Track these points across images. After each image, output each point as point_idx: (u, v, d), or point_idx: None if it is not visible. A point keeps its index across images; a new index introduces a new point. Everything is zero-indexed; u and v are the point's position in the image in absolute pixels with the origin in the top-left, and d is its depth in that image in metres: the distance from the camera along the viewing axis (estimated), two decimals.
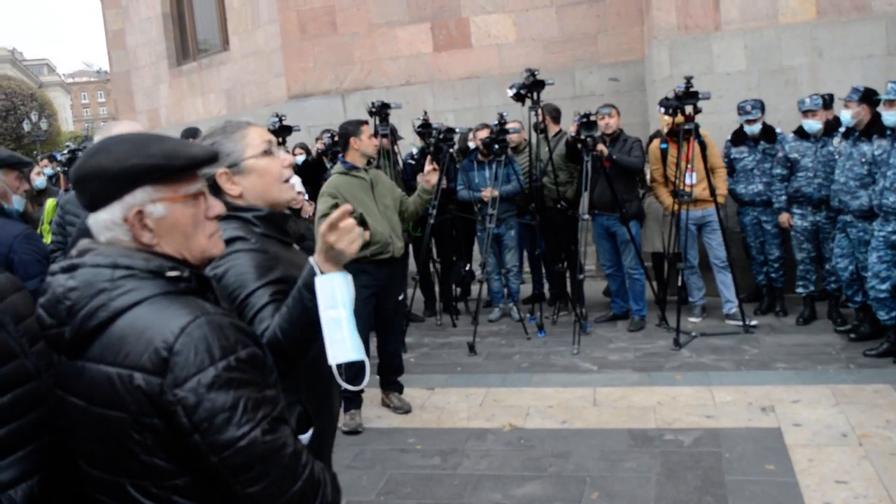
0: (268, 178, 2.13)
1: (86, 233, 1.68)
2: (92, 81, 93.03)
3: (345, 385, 1.85)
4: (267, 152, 2.14)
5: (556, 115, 7.88)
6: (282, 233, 2.18)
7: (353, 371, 1.85)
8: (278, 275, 2.01)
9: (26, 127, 36.01)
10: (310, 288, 1.79)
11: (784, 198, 6.78)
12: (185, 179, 1.63)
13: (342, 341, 1.75)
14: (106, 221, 1.60)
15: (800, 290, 6.88)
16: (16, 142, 37.01)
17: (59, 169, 10.54)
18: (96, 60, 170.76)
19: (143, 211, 1.59)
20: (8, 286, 1.99)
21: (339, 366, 1.79)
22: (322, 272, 1.80)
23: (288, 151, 8.26)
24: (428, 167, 5.40)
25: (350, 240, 1.82)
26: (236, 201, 2.11)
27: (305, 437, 1.83)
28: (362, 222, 5.78)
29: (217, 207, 1.71)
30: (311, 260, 1.83)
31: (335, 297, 1.77)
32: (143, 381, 1.45)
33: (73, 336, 1.52)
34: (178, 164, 1.60)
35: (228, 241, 1.93)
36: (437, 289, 8.34)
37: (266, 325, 1.89)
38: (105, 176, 1.57)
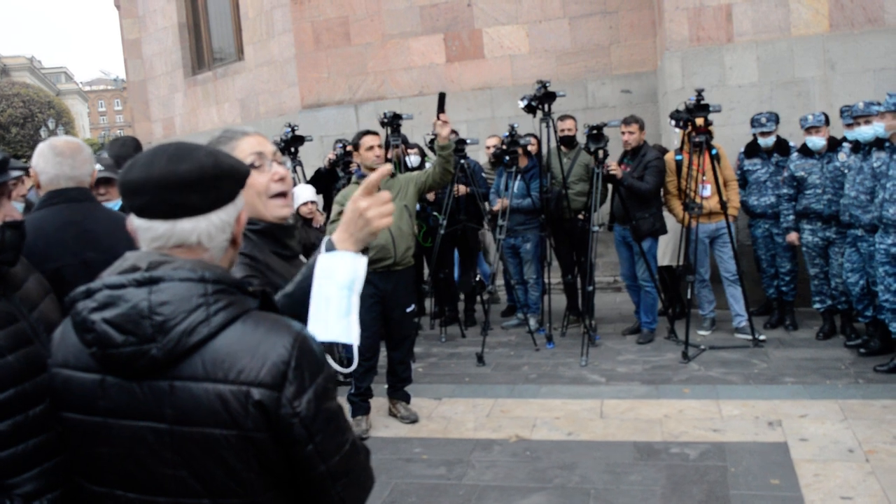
0: (250, 192, 1.99)
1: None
2: (109, 90, 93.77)
3: (336, 366, 1.75)
4: (253, 166, 2.02)
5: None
6: (281, 246, 2.13)
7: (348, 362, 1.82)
8: (264, 280, 1.95)
9: (43, 134, 36.26)
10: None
11: (791, 217, 6.78)
12: None
13: (325, 321, 1.70)
14: (221, 223, 1.59)
15: (817, 305, 6.83)
16: (33, 148, 37.21)
17: None
18: (114, 69, 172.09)
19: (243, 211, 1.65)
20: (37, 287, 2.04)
21: (335, 348, 1.78)
22: (337, 249, 1.75)
23: (299, 162, 8.31)
24: (435, 120, 5.33)
25: (381, 212, 1.76)
26: None
27: None
28: None
29: None
30: (329, 237, 1.79)
31: (334, 275, 1.71)
32: (262, 396, 1.44)
33: (165, 353, 1.44)
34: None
35: None
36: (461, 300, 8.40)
37: None
38: (222, 175, 1.58)
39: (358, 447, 1.62)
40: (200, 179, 1.54)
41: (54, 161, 2.97)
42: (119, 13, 14.87)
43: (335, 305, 1.69)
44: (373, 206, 1.76)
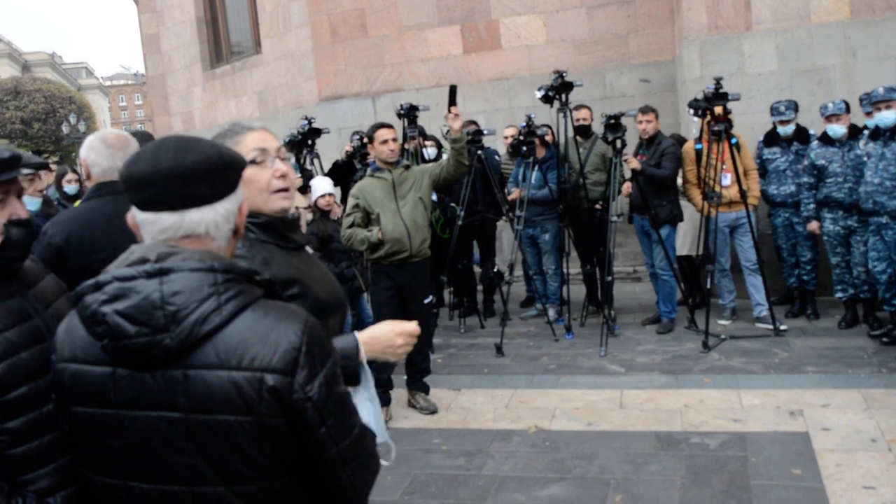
0: (252, 188, 2.02)
1: None
2: (129, 84, 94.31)
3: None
4: (255, 161, 2.04)
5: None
6: (283, 239, 2.13)
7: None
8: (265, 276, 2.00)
9: (65, 129, 36.58)
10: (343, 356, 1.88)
11: (812, 206, 6.70)
12: None
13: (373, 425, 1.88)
14: (227, 213, 1.60)
15: (839, 294, 6.76)
16: (55, 144, 37.67)
17: None
18: (133, 63, 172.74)
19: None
20: (54, 285, 2.05)
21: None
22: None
23: (317, 154, 8.32)
24: (446, 113, 5.33)
25: (406, 351, 2.06)
26: None
27: None
28: (377, 221, 5.81)
29: None
30: (358, 337, 1.98)
31: (370, 383, 1.96)
32: (275, 382, 1.46)
33: (179, 343, 1.45)
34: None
35: None
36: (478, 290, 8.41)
37: None
38: (226, 165, 1.60)
39: (366, 431, 1.67)
40: (208, 170, 1.56)
41: (106, 153, 3.05)
42: (137, 8, 14.96)
43: (373, 412, 1.95)
44: (406, 346, 2.03)
